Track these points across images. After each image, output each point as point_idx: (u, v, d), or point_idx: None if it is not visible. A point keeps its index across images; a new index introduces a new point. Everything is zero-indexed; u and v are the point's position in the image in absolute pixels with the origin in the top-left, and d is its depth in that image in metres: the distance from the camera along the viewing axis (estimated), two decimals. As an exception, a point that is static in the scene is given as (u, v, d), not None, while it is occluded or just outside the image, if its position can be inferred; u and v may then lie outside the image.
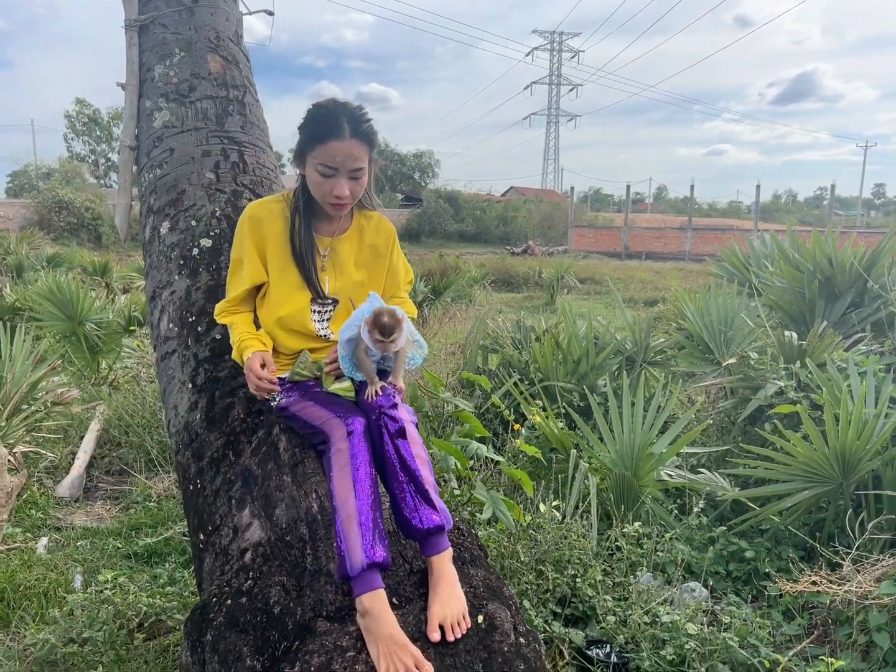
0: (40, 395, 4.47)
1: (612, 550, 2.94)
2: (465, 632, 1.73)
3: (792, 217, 56.54)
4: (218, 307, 2.12)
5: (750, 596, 2.86)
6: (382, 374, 1.94)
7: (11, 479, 2.79)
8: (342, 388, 1.99)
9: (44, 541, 3.35)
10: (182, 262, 2.53)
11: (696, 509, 3.01)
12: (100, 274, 10.86)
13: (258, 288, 2.10)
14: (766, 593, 2.78)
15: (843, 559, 2.67)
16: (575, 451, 3.30)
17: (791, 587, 2.38)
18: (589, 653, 2.41)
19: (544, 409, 3.72)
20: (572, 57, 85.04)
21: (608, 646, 2.47)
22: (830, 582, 2.32)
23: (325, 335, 2.06)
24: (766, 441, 3.49)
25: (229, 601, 1.81)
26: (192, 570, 3.08)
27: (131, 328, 6.04)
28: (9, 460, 3.19)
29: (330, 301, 2.05)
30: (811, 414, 3.26)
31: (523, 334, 4.82)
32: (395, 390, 1.86)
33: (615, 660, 2.37)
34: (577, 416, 3.59)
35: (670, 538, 2.95)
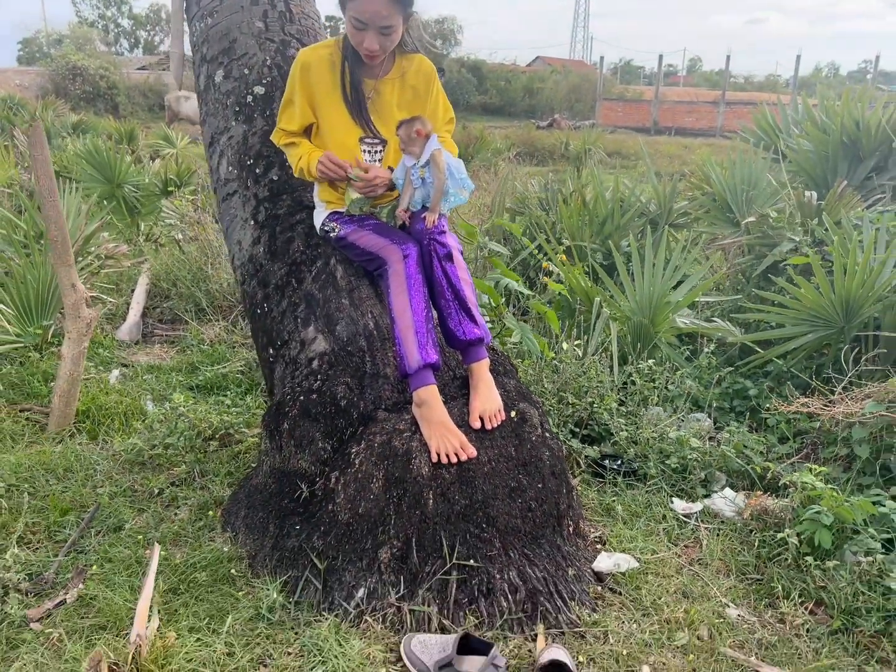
0: (92, 248, 4.76)
1: (626, 385, 3.25)
2: (500, 423, 2.05)
3: (830, 92, 54.02)
4: (275, 134, 2.30)
5: (748, 425, 3.18)
6: (423, 209, 2.17)
7: (89, 311, 3.11)
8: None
9: (115, 373, 3.74)
10: (237, 108, 2.71)
11: (706, 350, 3.29)
12: (126, 141, 10.92)
13: (308, 130, 2.29)
14: (765, 424, 3.11)
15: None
16: (598, 300, 3.56)
17: (784, 406, 2.69)
18: (603, 463, 2.77)
19: (572, 264, 3.96)
20: (607, -89, 78.62)
21: (619, 459, 2.83)
22: (823, 406, 2.62)
23: None
24: (778, 291, 3.73)
25: (302, 397, 2.14)
26: (250, 397, 3.47)
27: (169, 189, 6.23)
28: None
29: (378, 141, 2.25)
30: (823, 265, 3.47)
31: (550, 195, 4.98)
32: (443, 219, 2.10)
33: (625, 468, 2.73)
34: (601, 270, 3.82)
35: (680, 375, 3.25)
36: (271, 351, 2.41)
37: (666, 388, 3.19)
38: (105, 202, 6.34)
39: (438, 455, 1.92)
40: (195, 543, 2.28)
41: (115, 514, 2.44)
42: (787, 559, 2.19)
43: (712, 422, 3.16)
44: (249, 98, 2.70)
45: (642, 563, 2.20)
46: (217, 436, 2.95)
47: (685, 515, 2.49)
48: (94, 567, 2.13)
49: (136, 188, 6.36)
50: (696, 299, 3.68)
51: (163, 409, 3.09)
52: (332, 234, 2.28)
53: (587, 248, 4.51)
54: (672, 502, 2.56)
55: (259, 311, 2.49)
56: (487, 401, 2.06)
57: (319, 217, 2.33)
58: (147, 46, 57.41)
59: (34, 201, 5.45)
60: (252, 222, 2.58)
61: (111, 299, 4.62)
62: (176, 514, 2.48)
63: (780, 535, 2.21)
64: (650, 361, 3.19)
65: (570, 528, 2.15)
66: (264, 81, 2.71)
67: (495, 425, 2.04)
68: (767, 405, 3.23)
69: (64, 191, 4.76)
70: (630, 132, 26.17)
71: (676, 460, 2.68)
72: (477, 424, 2.02)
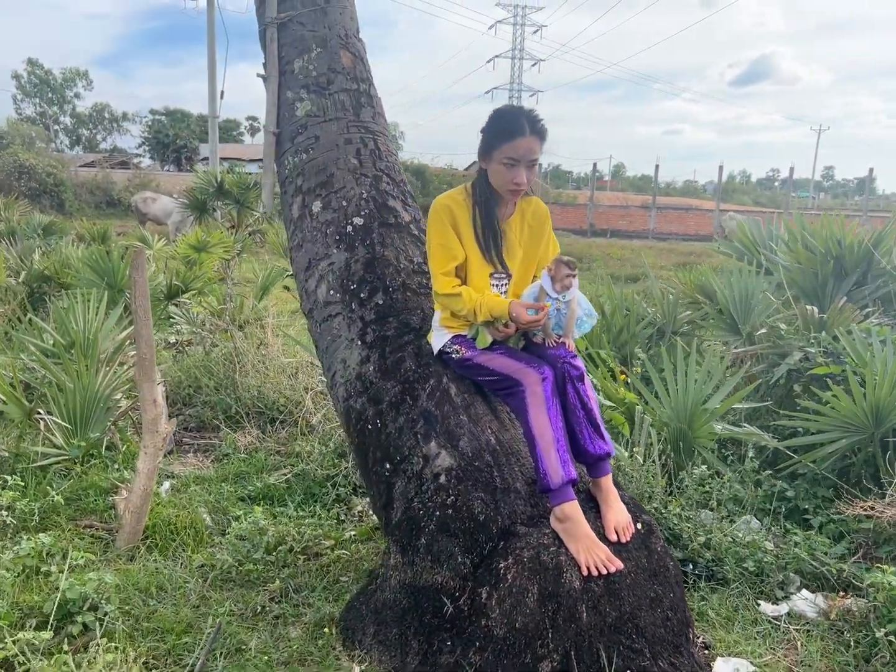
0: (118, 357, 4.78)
1: (675, 491, 3.44)
2: (632, 535, 2.21)
3: (746, 197, 58.24)
4: (443, 283, 2.38)
5: (789, 526, 3.40)
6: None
7: (166, 425, 3.15)
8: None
9: (166, 485, 3.72)
10: (338, 237, 2.91)
11: (750, 455, 3.53)
12: (99, 241, 10.93)
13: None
14: (808, 524, 3.33)
15: (868, 497, 3.25)
16: (639, 407, 3.80)
17: (847, 509, 2.92)
18: (684, 569, 2.92)
19: (612, 373, 4.21)
20: (535, 31, 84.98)
21: (689, 563, 2.98)
22: (885, 507, 2.87)
23: None
24: (797, 398, 4.04)
25: (438, 513, 2.25)
26: (309, 507, 3.50)
27: (179, 297, 6.30)
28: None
29: (505, 275, 2.47)
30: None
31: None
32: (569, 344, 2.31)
33: (705, 573, 2.89)
34: (635, 378, 4.08)
35: (728, 480, 3.47)
36: (388, 466, 2.52)
37: (719, 491, 3.39)
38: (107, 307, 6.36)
39: (588, 568, 2.05)
40: (324, 663, 2.30)
41: (231, 635, 2.44)
42: (885, 657, 2.36)
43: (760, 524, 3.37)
44: (349, 228, 2.91)
45: (758, 668, 2.34)
46: (301, 549, 2.98)
47: (774, 618, 2.65)
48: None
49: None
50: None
51: (243, 523, 3.10)
52: (454, 356, 2.46)
53: (603, 355, 4.79)
54: (759, 605, 2.72)
55: (370, 427, 2.61)
56: (619, 513, 2.23)
57: (440, 340, 2.50)
58: (90, 144, 57.76)
59: (54, 303, 5.46)
60: (359, 342, 2.74)
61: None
62: (289, 632, 2.50)
63: (878, 635, 2.39)
64: (703, 467, 3.41)
65: (693, 636, 2.28)
66: (363, 213, 2.93)
67: (628, 538, 2.19)
68: (806, 505, 3.48)
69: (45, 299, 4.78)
70: (568, 234, 27.50)
71: (753, 563, 2.85)
72: (613, 537, 2.17)
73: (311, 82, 3.15)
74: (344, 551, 3.02)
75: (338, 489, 3.65)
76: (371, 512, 3.47)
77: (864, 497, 3.36)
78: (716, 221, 27.64)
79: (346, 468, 3.75)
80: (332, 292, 2.87)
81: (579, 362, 2.29)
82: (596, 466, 2.30)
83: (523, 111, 2.35)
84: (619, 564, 2.08)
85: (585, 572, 2.05)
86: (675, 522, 3.09)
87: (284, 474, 3.95)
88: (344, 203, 2.96)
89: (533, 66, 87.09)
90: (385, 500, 2.51)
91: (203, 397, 4.91)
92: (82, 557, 2.60)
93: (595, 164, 34.62)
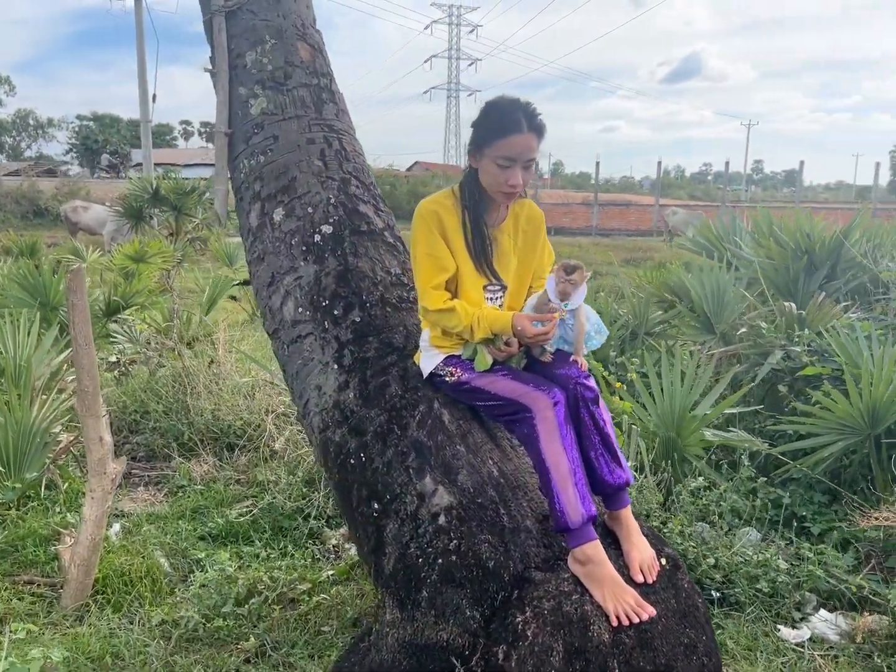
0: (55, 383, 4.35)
1: (671, 506, 3.25)
2: (658, 572, 1.98)
3: (682, 192, 59.50)
4: (433, 298, 2.11)
5: (792, 535, 3.25)
6: (558, 351, 2.14)
7: (114, 466, 2.79)
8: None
9: (116, 527, 3.34)
10: (305, 248, 2.61)
11: (746, 462, 3.37)
12: (28, 255, 10.27)
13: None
14: (808, 532, 3.19)
15: (863, 500, 3.14)
16: (626, 416, 3.60)
17: (864, 521, 2.77)
18: (693, 591, 2.71)
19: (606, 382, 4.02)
20: (471, 31, 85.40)
21: (700, 587, 2.79)
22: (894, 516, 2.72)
23: None
24: (784, 400, 3.92)
25: (440, 560, 1.98)
26: (279, 544, 3.18)
27: (119, 314, 5.85)
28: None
29: (499, 287, 2.21)
30: (829, 375, 3.69)
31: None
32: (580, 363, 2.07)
33: (717, 595, 2.69)
34: (619, 384, 3.88)
35: (725, 490, 3.30)
36: (376, 506, 2.24)
37: (717, 503, 3.21)
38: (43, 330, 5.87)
39: (617, 617, 1.81)
40: (316, 738, 2.01)
41: (204, 711, 2.12)
42: (922, 683, 2.20)
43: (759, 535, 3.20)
44: (317, 237, 2.61)
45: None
46: (276, 597, 2.67)
47: (797, 644, 2.47)
48: None
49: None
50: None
51: (208, 570, 2.76)
52: (448, 380, 2.19)
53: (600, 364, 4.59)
54: (778, 630, 2.53)
55: (353, 462, 2.32)
56: (643, 549, 1.99)
57: (431, 361, 2.23)
58: (14, 152, 55.35)
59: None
60: (335, 366, 2.44)
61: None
62: (271, 701, 2.19)
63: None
64: (700, 479, 3.22)
65: (726, 677, 2.07)
66: (331, 220, 2.64)
67: (655, 577, 1.96)
68: (804, 512, 3.34)
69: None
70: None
71: (766, 584, 2.67)
72: (640, 578, 1.94)
73: (266, 77, 2.84)
74: (323, 596, 2.72)
75: (309, 522, 3.34)
76: (348, 546, 3.18)
77: (861, 501, 3.24)
78: (655, 216, 28.04)
79: (317, 499, 3.44)
80: (300, 310, 2.57)
81: (592, 382, 2.04)
82: (614, 498, 2.06)
83: (520, 104, 2.09)
84: (651, 611, 1.84)
85: (615, 622, 1.81)
86: (679, 542, 2.89)
87: (248, 507, 3.61)
88: (309, 210, 2.66)
89: (470, 65, 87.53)
90: (374, 544, 2.22)
91: (151, 423, 4.51)
92: (23, 629, 2.23)
93: (537, 163, 34.73)
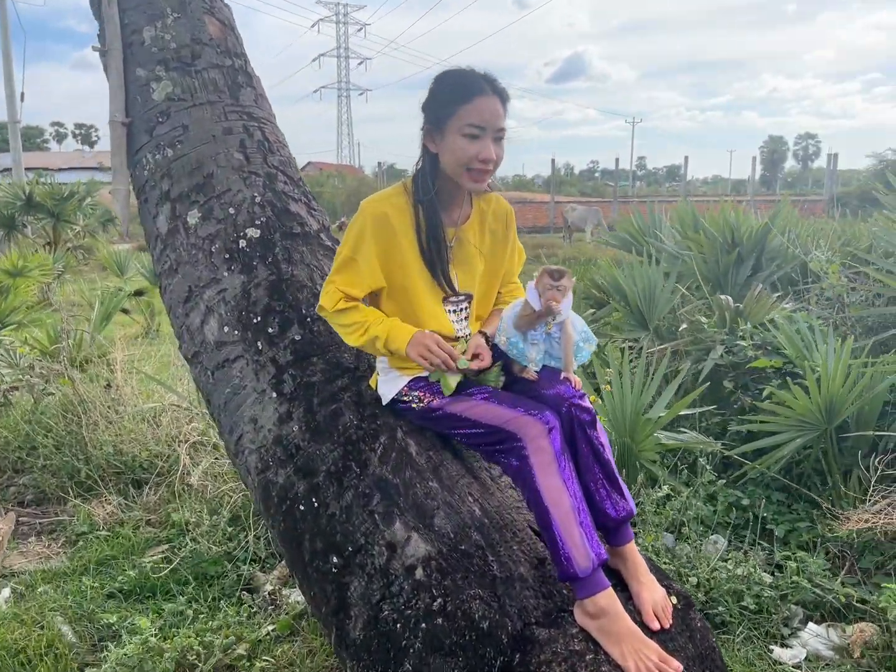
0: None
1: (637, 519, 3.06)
2: (671, 615, 1.73)
3: (573, 188, 61.24)
4: (329, 294, 1.85)
5: (756, 538, 3.12)
6: (545, 368, 1.85)
7: (1, 523, 2.30)
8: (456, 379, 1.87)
9: (5, 592, 2.82)
10: (228, 255, 2.22)
11: (708, 467, 3.21)
12: None
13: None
14: (770, 534, 3.07)
15: (824, 499, 3.06)
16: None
17: (845, 525, 2.64)
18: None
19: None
20: (359, 30, 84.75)
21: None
22: (876, 516, 2.61)
23: (464, 335, 1.92)
24: (731, 396, 3.81)
25: (424, 625, 1.66)
26: (206, 595, 2.76)
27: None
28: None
29: (463, 297, 1.91)
30: (775, 368, 3.61)
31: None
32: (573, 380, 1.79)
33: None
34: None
35: (688, 496, 3.13)
36: (335, 559, 1.88)
37: (680, 512, 3.04)
38: None
39: (641, 678, 1.55)
40: None
41: None
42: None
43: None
44: (242, 243, 2.22)
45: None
46: (210, 669, 2.26)
47: (794, 666, 2.30)
48: None
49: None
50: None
51: (126, 644, 2.31)
52: (415, 406, 1.86)
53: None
54: (771, 651, 2.36)
55: (303, 509, 1.95)
56: (653, 590, 1.74)
57: (392, 385, 1.90)
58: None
59: None
60: (273, 394, 2.07)
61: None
62: None
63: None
64: (666, 487, 3.04)
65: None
66: (258, 222, 2.26)
67: (670, 621, 1.71)
68: (765, 513, 3.22)
69: None
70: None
71: (752, 600, 2.50)
72: (656, 625, 1.68)
73: (169, 56, 2.42)
74: (266, 659, 2.33)
75: (240, 567, 2.92)
76: (286, 592, 2.80)
77: (815, 496, 3.16)
78: (552, 213, 28.46)
79: (246, 540, 3.02)
80: (226, 329, 2.17)
81: (588, 402, 1.77)
82: (618, 532, 1.79)
83: (475, 71, 1.81)
84: (677, 665, 1.58)
85: (638, 684, 1.55)
86: (655, 559, 2.68)
87: (164, 553, 3.15)
88: (231, 211, 2.27)
89: (360, 64, 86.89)
90: (336, 605, 1.87)
91: (41, 461, 3.92)
92: None
93: (434, 161, 34.68)
